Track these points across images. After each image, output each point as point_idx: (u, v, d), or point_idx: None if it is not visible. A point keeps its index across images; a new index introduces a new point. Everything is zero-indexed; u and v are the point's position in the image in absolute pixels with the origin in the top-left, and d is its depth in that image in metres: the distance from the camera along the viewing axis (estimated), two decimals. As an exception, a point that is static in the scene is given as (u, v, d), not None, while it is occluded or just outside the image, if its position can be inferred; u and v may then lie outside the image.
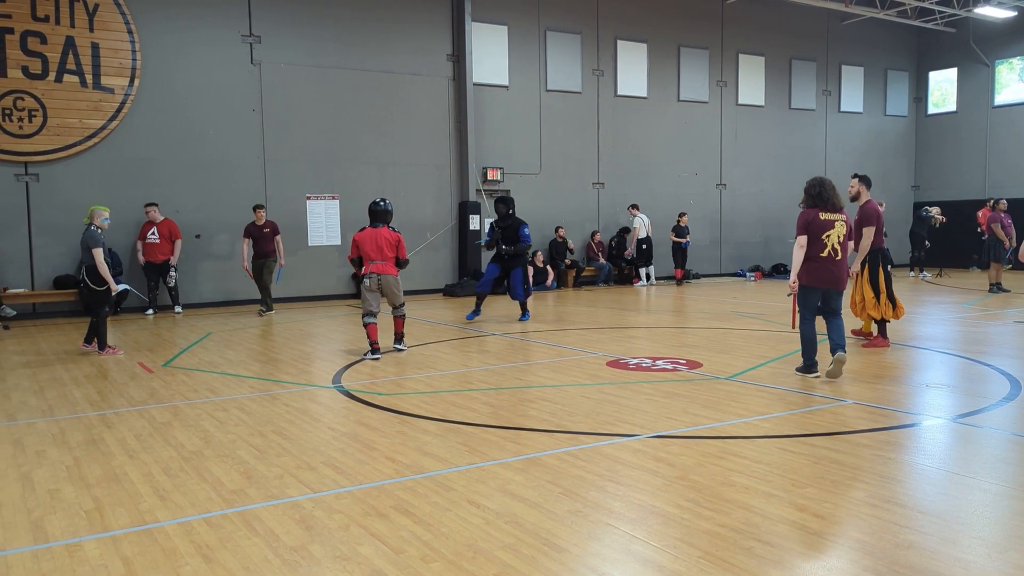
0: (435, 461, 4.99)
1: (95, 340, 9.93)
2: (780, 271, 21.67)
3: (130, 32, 14.26)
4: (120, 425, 6.12)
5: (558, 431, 5.68)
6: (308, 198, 16.11)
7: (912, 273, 20.40)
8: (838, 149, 23.60)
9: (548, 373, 7.99)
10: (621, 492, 4.36)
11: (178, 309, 14.06)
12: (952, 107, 24.42)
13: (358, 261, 9.25)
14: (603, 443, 5.35)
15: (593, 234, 19.37)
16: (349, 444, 5.44)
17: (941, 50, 24.33)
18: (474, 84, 17.52)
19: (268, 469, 4.92)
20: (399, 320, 9.45)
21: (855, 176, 9.42)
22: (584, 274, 19.04)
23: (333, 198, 16.34)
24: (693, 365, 8.22)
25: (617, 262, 19.51)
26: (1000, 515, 4.03)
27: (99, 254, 9.33)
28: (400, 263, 9.23)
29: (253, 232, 13.88)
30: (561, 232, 18.50)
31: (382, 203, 9.32)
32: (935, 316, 12.50)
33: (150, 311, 13.99)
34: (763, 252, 22.41)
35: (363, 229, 9.40)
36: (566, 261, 18.67)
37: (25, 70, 13.48)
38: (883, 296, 9.12)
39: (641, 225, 18.88)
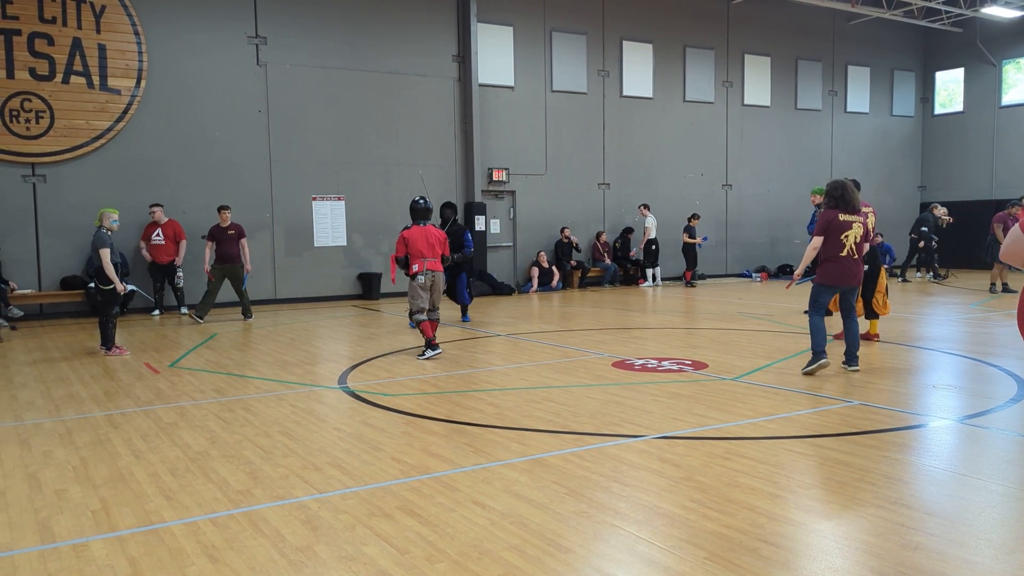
0: (440, 462, 4.99)
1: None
2: (786, 272, 21.59)
3: (137, 33, 14.31)
4: (126, 425, 6.14)
5: (563, 432, 5.67)
6: (314, 199, 16.14)
7: (919, 274, 20.34)
8: (844, 149, 23.54)
9: (553, 374, 7.98)
10: (626, 493, 4.36)
11: (184, 310, 14.09)
12: (959, 107, 24.34)
13: (404, 260, 9.03)
14: (608, 444, 5.34)
15: (599, 235, 19.35)
16: (355, 445, 5.45)
17: (948, 50, 24.25)
18: (479, 85, 17.53)
19: (274, 470, 4.93)
20: (435, 324, 9.13)
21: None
22: (589, 275, 19.02)
23: (339, 199, 16.36)
24: (699, 366, 8.20)
25: (623, 263, 19.49)
26: (1007, 516, 4.02)
27: (106, 254, 9.42)
28: (445, 260, 9.19)
29: (217, 235, 13.02)
30: (566, 232, 18.50)
31: (422, 201, 9.23)
32: (942, 317, 12.46)
33: (156, 312, 14.03)
34: (769, 253, 22.35)
35: (408, 228, 9.14)
36: (571, 262, 18.67)
37: (32, 71, 13.54)
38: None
39: (653, 225, 18.88)
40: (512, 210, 18.53)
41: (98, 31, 14.00)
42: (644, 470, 4.75)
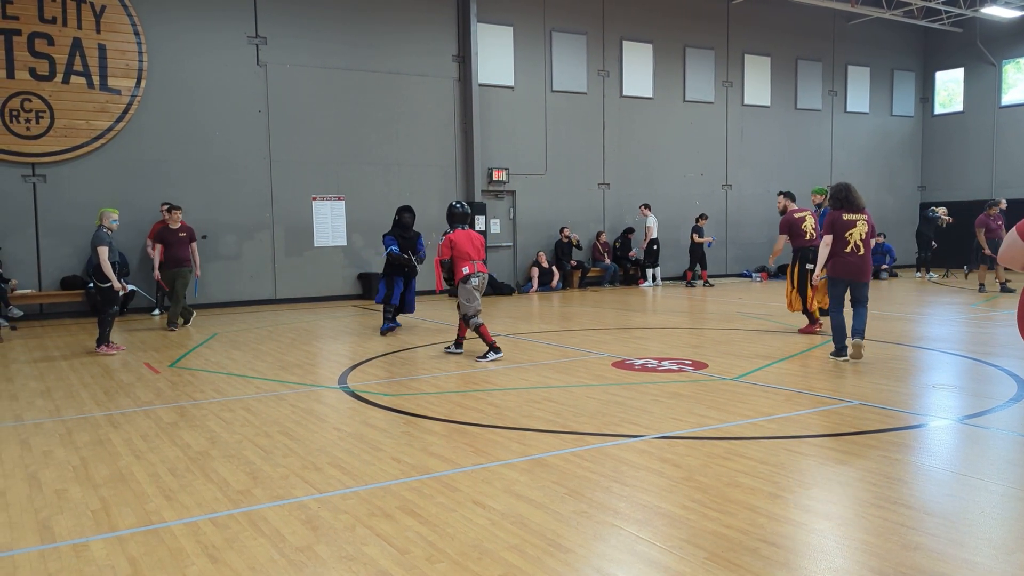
0: (440, 462, 4.99)
1: (111, 341, 10.03)
2: (786, 272, 21.58)
3: (137, 33, 14.31)
4: (127, 425, 6.14)
5: (563, 432, 5.67)
6: (314, 199, 16.14)
7: (919, 274, 20.35)
8: (844, 149, 23.55)
9: (553, 374, 7.98)
10: (626, 493, 4.36)
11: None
12: (959, 107, 24.34)
13: (449, 263, 9.00)
14: (609, 444, 5.34)
15: (599, 235, 19.35)
16: (355, 445, 5.45)
17: (948, 50, 24.25)
18: (480, 85, 17.53)
19: (274, 469, 4.93)
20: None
21: (780, 193, 11.00)
22: (590, 275, 19.02)
23: (339, 199, 16.37)
24: (699, 366, 8.20)
25: (623, 263, 19.49)
26: (1007, 516, 4.02)
27: (103, 252, 9.48)
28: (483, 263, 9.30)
29: (167, 237, 12.03)
30: (566, 232, 18.49)
31: (460, 206, 9.28)
32: (941, 317, 12.46)
33: (156, 312, 14.03)
34: (769, 253, 22.30)
35: (452, 231, 9.10)
36: (571, 262, 18.67)
37: (32, 71, 13.54)
38: (795, 290, 10.60)
39: (654, 225, 18.87)
40: (512, 210, 18.54)
41: (98, 31, 14.00)
42: (644, 470, 4.75)
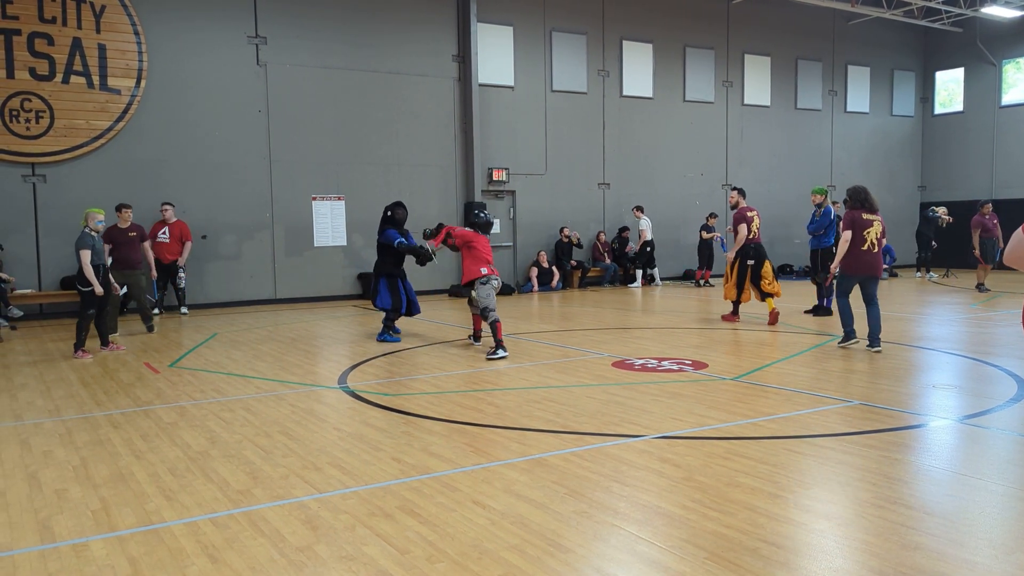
0: (440, 461, 4.99)
1: (111, 341, 10.03)
2: (786, 272, 21.57)
3: (136, 33, 14.31)
4: (126, 425, 6.14)
5: (563, 432, 5.67)
6: (314, 199, 16.14)
7: (919, 273, 20.35)
8: (844, 149, 23.55)
9: (553, 374, 7.98)
10: (626, 493, 4.36)
11: (184, 310, 14.09)
12: (959, 107, 24.34)
13: (445, 240, 9.56)
14: (608, 444, 5.34)
15: (599, 235, 19.34)
16: (355, 445, 5.45)
17: (948, 50, 24.25)
18: (479, 85, 17.53)
19: (274, 469, 4.93)
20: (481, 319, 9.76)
21: (733, 188, 11.83)
22: (590, 275, 19.01)
23: (339, 199, 16.37)
24: (699, 366, 8.21)
25: (622, 262, 19.48)
26: (1007, 516, 4.02)
27: (85, 256, 9.44)
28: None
29: (115, 237, 11.32)
30: (566, 232, 18.48)
31: (484, 216, 9.79)
32: (941, 317, 12.46)
33: (156, 311, 14.01)
34: (768, 252, 22.18)
35: (472, 230, 9.63)
36: (572, 262, 18.66)
37: (32, 71, 13.54)
38: (733, 281, 11.43)
39: (647, 227, 18.84)
40: (512, 210, 18.53)
41: (98, 31, 14.00)
42: (644, 470, 4.75)
